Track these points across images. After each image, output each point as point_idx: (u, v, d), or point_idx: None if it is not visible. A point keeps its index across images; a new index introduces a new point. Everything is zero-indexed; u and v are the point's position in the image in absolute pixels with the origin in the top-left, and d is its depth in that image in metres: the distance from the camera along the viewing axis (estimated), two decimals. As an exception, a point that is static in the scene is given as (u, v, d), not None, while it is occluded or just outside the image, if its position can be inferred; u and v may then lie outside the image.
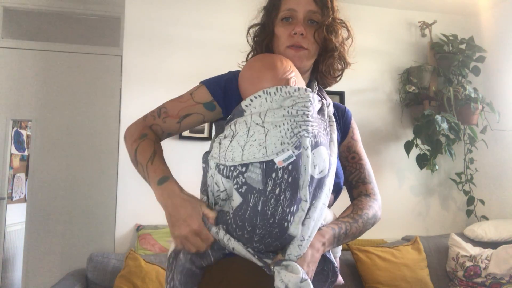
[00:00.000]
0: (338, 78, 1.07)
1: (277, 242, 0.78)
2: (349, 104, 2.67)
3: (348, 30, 1.02)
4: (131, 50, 2.54)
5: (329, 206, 0.97)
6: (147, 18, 2.58)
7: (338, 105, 1.11)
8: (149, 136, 0.92)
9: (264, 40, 1.01)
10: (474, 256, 2.36)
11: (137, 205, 2.39)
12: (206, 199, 0.84)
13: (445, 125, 2.50)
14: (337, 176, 0.91)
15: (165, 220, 0.81)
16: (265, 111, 0.81)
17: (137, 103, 2.47)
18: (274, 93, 0.83)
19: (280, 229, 0.76)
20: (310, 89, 0.87)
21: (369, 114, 2.83)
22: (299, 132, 0.79)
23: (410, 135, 2.73)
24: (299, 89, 0.84)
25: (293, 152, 0.77)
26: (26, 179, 3.47)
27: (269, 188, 0.76)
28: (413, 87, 2.71)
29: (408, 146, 2.65)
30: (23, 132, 3.47)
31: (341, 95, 2.76)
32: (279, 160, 0.76)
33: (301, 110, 0.81)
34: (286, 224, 0.76)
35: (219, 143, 0.82)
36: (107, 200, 2.70)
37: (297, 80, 0.90)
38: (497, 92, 2.89)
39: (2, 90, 2.78)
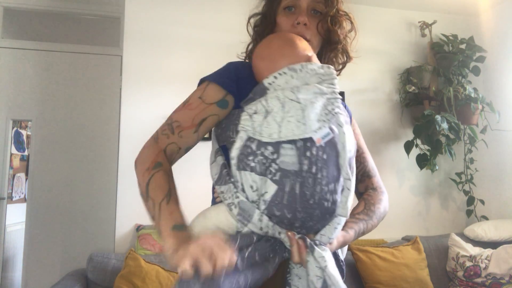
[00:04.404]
0: (338, 72, 1.04)
1: (318, 225, 0.76)
2: (349, 104, 2.64)
3: (351, 23, 0.99)
4: (131, 50, 2.54)
5: None
6: (147, 18, 2.58)
7: None
8: (164, 167, 0.81)
9: (265, 30, 0.97)
10: (474, 256, 2.36)
11: (137, 205, 2.38)
12: (232, 187, 0.77)
13: (445, 125, 2.50)
14: None
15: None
16: (297, 87, 0.78)
17: (137, 103, 2.47)
18: (300, 69, 0.80)
19: (321, 210, 0.74)
20: (333, 67, 0.85)
21: (369, 114, 2.83)
22: (333, 109, 0.78)
23: (410, 135, 2.73)
24: (322, 66, 0.83)
25: (330, 129, 0.76)
26: (26, 179, 3.47)
27: (306, 167, 0.73)
28: (413, 87, 2.71)
29: (408, 146, 2.65)
30: (23, 132, 3.47)
31: (341, 95, 2.75)
32: (318, 138, 0.74)
33: (330, 87, 0.81)
34: (326, 204, 0.74)
35: (250, 116, 0.78)
36: (107, 200, 2.70)
37: (315, 57, 0.87)
38: (497, 92, 2.89)
39: (2, 90, 2.78)
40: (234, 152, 0.77)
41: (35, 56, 2.84)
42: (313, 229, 0.77)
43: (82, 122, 2.83)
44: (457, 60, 2.79)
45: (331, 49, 0.97)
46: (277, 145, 0.73)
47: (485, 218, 2.79)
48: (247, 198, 0.75)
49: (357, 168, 0.99)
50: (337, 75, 1.03)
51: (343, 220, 0.78)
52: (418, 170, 2.73)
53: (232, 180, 0.78)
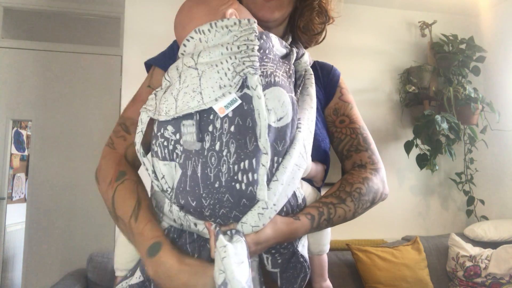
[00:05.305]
0: (319, 37, 0.90)
1: (235, 212, 0.63)
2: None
3: None
4: (131, 50, 2.54)
5: (322, 181, 0.84)
6: (147, 18, 2.58)
7: (324, 63, 0.95)
8: (129, 175, 0.73)
9: None
10: (474, 256, 2.36)
11: (137, 205, 2.39)
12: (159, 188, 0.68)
13: (445, 125, 2.50)
14: (316, 138, 0.76)
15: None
16: (199, 52, 0.66)
17: (137, 103, 2.47)
18: (209, 30, 0.68)
19: (232, 194, 0.61)
20: (255, 20, 0.69)
21: (369, 114, 2.82)
22: (243, 69, 0.62)
23: (410, 135, 2.73)
24: (240, 21, 0.68)
25: (242, 96, 0.62)
26: (26, 179, 3.47)
27: (207, 145, 0.61)
28: (413, 87, 2.71)
29: (408, 146, 2.65)
30: (23, 132, 3.47)
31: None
32: (220, 107, 0.61)
33: (244, 44, 0.64)
34: (239, 186, 0.61)
35: (155, 94, 0.68)
36: (107, 200, 2.70)
37: (238, 13, 0.74)
38: (497, 92, 2.89)
39: (2, 90, 2.78)
40: (137, 138, 0.67)
41: (35, 56, 2.85)
42: (229, 218, 0.63)
43: (82, 122, 2.83)
44: (457, 60, 2.78)
45: (307, 6, 0.85)
46: (177, 123, 0.63)
47: (485, 218, 2.80)
48: (161, 187, 0.66)
49: (342, 141, 0.87)
50: (317, 41, 0.91)
51: (270, 204, 0.63)
52: (418, 170, 2.73)
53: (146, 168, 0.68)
